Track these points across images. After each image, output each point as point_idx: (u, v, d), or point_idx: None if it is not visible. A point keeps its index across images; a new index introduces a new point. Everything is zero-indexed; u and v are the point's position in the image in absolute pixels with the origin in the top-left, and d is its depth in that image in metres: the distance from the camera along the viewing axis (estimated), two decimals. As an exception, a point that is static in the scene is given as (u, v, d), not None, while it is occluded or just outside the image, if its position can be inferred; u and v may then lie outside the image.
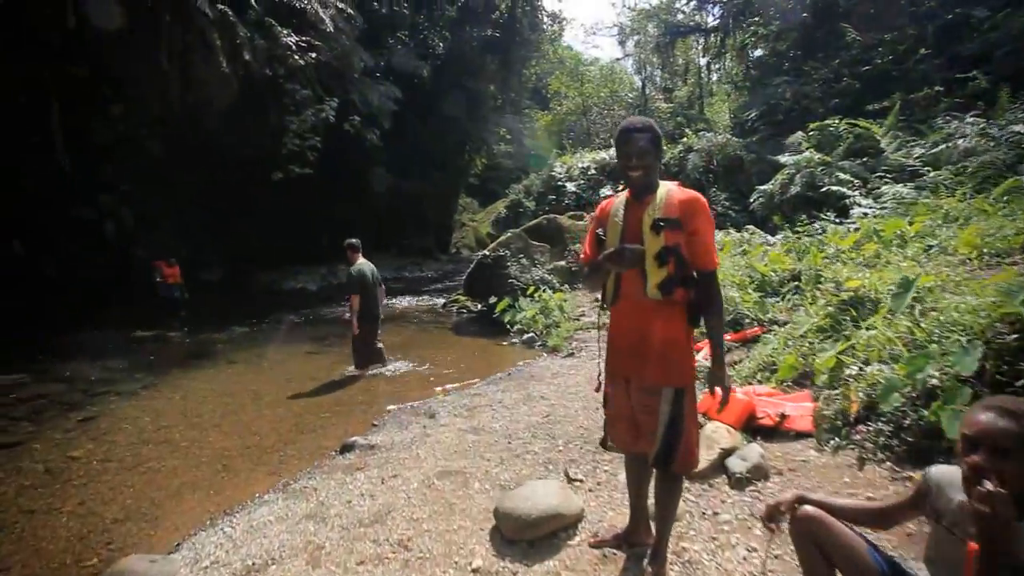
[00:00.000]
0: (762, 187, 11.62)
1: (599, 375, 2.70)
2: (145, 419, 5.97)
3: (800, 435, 3.68)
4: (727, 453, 3.46)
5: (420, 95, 26.24)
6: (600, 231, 2.54)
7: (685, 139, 16.33)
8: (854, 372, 3.57)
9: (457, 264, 26.08)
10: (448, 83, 28.21)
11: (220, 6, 13.15)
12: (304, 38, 14.39)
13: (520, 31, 30.40)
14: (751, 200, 12.04)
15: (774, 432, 3.76)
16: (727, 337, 6.16)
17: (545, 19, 33.49)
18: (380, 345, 7.74)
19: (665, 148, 16.85)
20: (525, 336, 9.23)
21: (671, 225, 2.31)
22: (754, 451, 3.41)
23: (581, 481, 3.58)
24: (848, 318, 4.46)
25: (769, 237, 10.18)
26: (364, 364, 7.50)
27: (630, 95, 36.69)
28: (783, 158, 11.51)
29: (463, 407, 5.62)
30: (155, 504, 4.05)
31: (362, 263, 7.39)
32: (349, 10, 17.49)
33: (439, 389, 6.47)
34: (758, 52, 24.86)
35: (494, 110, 33.02)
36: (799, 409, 3.81)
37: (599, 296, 2.66)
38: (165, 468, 4.67)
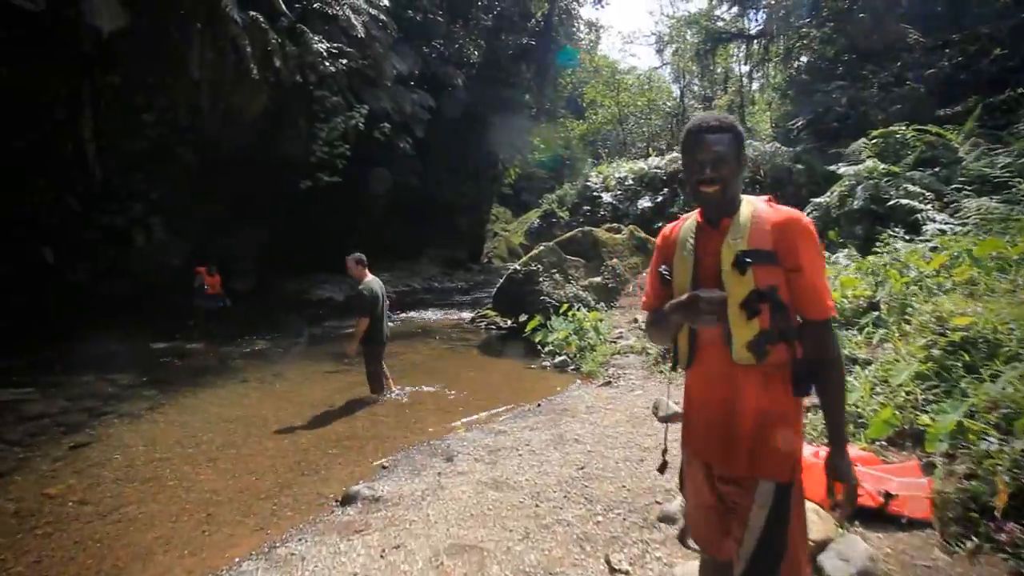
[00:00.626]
0: (817, 200, 10.62)
1: (663, 451, 2.06)
2: (139, 448, 5.43)
3: (913, 523, 2.84)
4: (819, 547, 2.65)
5: (453, 103, 25.81)
6: (664, 268, 1.82)
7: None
8: (992, 446, 2.70)
9: (488, 275, 25.47)
10: (482, 91, 27.76)
11: (251, 12, 12.88)
12: (336, 44, 14.04)
13: (556, 39, 29.78)
14: (806, 213, 11.04)
15: (876, 516, 2.92)
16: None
17: (581, 27, 32.80)
18: (385, 371, 7.10)
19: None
20: (557, 359, 8.46)
21: (763, 259, 1.62)
22: (858, 548, 2.59)
23: (627, 574, 2.81)
24: (959, 364, 3.58)
25: (827, 255, 9.21)
26: (380, 389, 6.87)
27: (668, 104, 35.66)
28: (842, 168, 10.49)
29: (485, 448, 4.90)
30: (118, 567, 3.43)
31: (371, 280, 6.78)
32: (383, 17, 17.15)
33: (460, 423, 5.76)
34: (803, 58, 23.69)
35: (529, 119, 32.41)
36: (909, 486, 2.96)
37: (668, 352, 1.92)
38: (143, 516, 4.07)
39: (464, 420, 5.97)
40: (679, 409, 2.14)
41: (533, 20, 29.30)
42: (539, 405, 6.34)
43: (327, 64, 13.84)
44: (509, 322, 11.86)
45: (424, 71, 24.95)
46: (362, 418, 6.18)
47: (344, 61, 14.23)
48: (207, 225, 14.96)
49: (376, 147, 19.14)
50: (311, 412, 6.39)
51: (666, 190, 15.97)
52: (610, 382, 7.05)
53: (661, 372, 7.03)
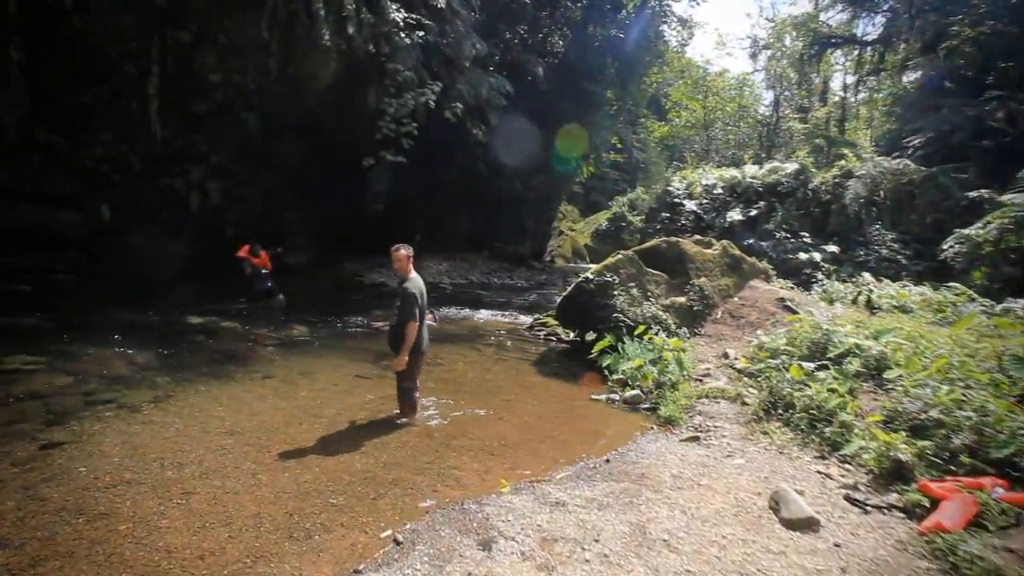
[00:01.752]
0: (964, 231, 8.58)
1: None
2: (113, 460, 4.38)
3: None
4: None
5: (532, 93, 24.43)
6: None
7: (844, 161, 13.25)
8: None
9: (550, 275, 24.05)
10: (563, 83, 26.25)
11: (330, -26, 11.93)
12: (414, 15, 12.94)
13: (647, 34, 27.82)
14: (945, 247, 9.01)
15: None
16: (995, 490, 3.65)
17: (674, 24, 30.65)
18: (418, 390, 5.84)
19: (814, 171, 13.76)
20: (628, 392, 6.96)
21: None
22: None
23: None
24: None
25: (976, 299, 7.25)
26: (411, 411, 5.62)
27: (760, 111, 32.98)
28: (1012, 196, 8.41)
29: (537, 532, 3.52)
30: None
31: (417, 278, 5.54)
32: (468, -7, 15.98)
33: (505, 480, 4.39)
34: (925, 68, 20.81)
35: (609, 116, 30.64)
36: None
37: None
38: (62, 583, 2.94)
39: (510, 470, 4.61)
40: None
41: (624, 12, 27.46)
42: (608, 461, 4.90)
43: (403, 35, 12.75)
44: (572, 335, 10.43)
45: (504, 57, 23.74)
46: (385, 449, 4.92)
47: (421, 34, 13.11)
48: (265, 196, 14.25)
49: (446, 130, 18.04)
50: (327, 432, 5.21)
51: (762, 203, 14.01)
52: (697, 437, 5.51)
53: (765, 434, 5.43)
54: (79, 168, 11.35)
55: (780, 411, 5.70)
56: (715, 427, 5.75)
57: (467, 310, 13.27)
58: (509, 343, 10.12)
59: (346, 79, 13.31)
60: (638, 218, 42.82)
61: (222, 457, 4.51)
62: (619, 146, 36.42)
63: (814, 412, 5.30)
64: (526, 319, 12.50)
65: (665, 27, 31.10)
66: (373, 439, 5.12)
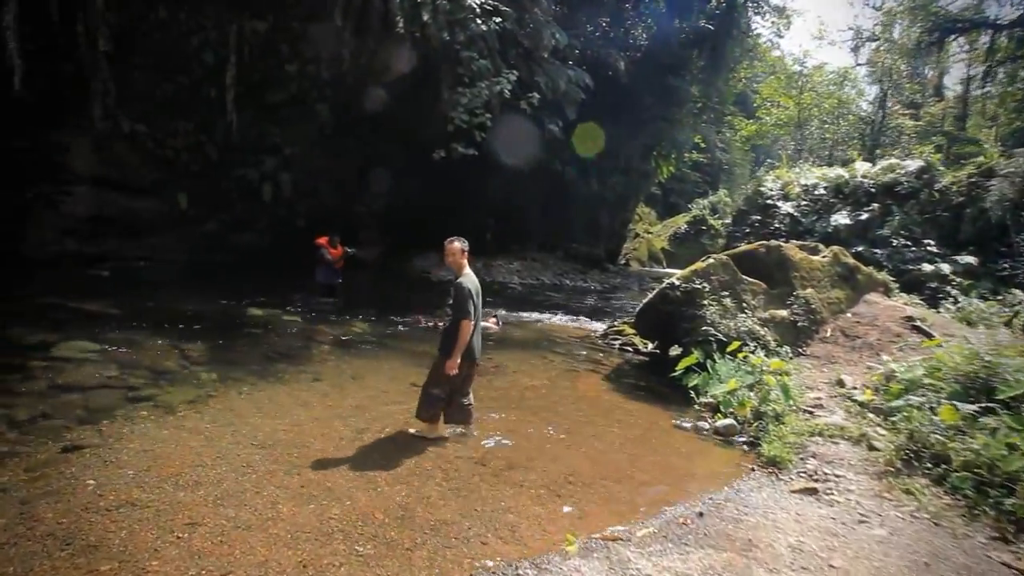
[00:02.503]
0: None
1: None
2: (129, 472, 3.85)
3: None
4: None
5: (612, 88, 23.23)
6: None
7: (982, 158, 11.28)
8: None
9: (625, 278, 22.80)
10: (645, 78, 24.86)
11: (405, -41, 11.42)
12: (491, 1, 12.22)
13: (737, 22, 25.82)
14: None
15: None
16: None
17: (769, 13, 28.34)
18: (470, 399, 5.05)
19: (942, 170, 11.83)
20: (721, 421, 5.86)
21: None
22: None
23: None
24: None
25: None
26: (434, 418, 4.87)
27: (862, 107, 30.00)
28: None
29: (613, 625, 2.60)
30: None
31: (471, 275, 4.78)
32: (548, -19, 15.12)
33: (571, 537, 3.48)
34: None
35: (693, 114, 28.83)
36: None
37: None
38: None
39: (579, 520, 3.71)
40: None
41: (714, 1, 25.64)
42: (701, 515, 3.89)
43: (479, 22, 12.06)
44: (650, 346, 9.35)
45: (584, 50, 22.69)
46: (431, 479, 4.13)
47: (499, 20, 12.37)
48: (335, 188, 14.04)
49: (521, 124, 17.28)
50: (369, 451, 4.50)
51: (875, 205, 12.24)
52: (814, 488, 4.37)
53: (908, 493, 4.22)
54: (161, 157, 11.46)
55: (927, 464, 4.45)
56: (836, 477, 4.58)
57: (536, 313, 12.42)
58: (581, 352, 9.17)
59: (419, 69, 12.82)
60: (720, 222, 40.44)
61: (244, 478, 3.88)
62: (702, 145, 34.33)
63: (982, 472, 4.02)
64: (599, 326, 11.50)
65: (758, 18, 28.88)
66: (419, 465, 4.36)
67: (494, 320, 10.14)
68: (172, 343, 7.03)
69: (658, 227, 39.96)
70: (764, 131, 32.09)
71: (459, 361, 4.65)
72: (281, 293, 10.73)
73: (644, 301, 8.45)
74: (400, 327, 9.53)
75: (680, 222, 38.44)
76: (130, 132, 10.89)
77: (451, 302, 4.71)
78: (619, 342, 9.81)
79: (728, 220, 42.03)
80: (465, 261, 4.78)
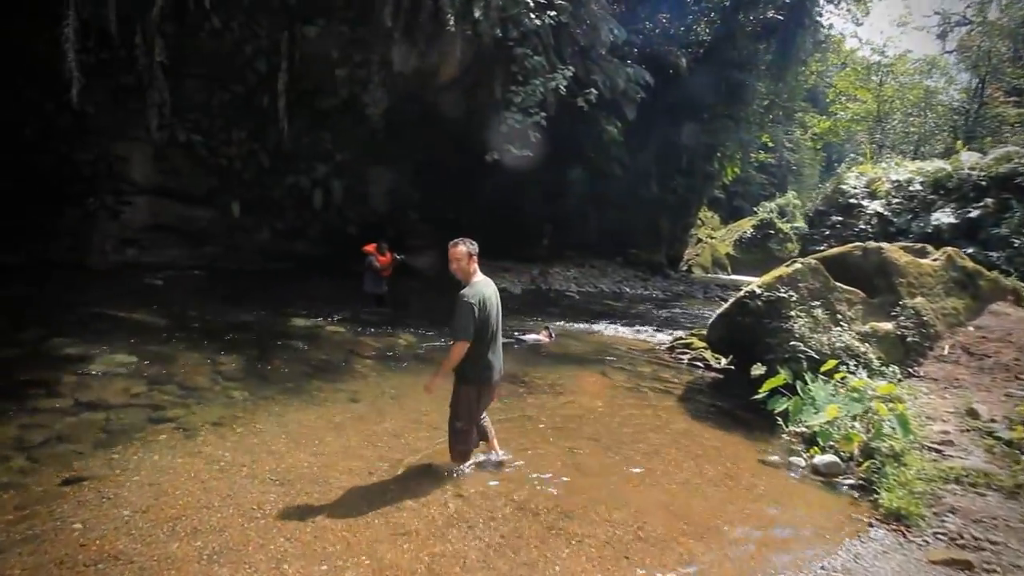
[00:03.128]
0: None
1: None
2: (125, 512, 3.32)
3: None
4: None
5: (672, 86, 22.06)
6: None
7: None
8: None
9: (689, 286, 21.48)
10: (709, 75, 23.50)
11: (455, -45, 10.91)
12: (546, -5, 11.56)
13: (809, 11, 24.01)
14: None
15: None
16: None
17: (845, 1, 26.23)
18: (486, 422, 4.32)
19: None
20: (820, 458, 4.84)
21: None
22: None
23: None
24: None
25: None
26: (464, 457, 4.14)
27: (953, 96, 27.29)
28: None
29: None
30: None
31: (482, 283, 4.06)
32: (606, -25, 14.29)
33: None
34: None
35: (760, 111, 27.13)
36: None
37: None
38: None
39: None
40: None
41: (784, -10, 23.96)
42: (814, 592, 2.96)
43: (533, 16, 11.38)
44: (723, 362, 8.31)
45: (643, 48, 21.65)
46: (471, 531, 3.40)
47: (553, 14, 11.64)
48: (387, 195, 13.69)
49: (578, 123, 16.49)
50: (400, 492, 3.82)
51: (988, 201, 10.63)
52: (967, 562, 3.34)
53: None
54: (215, 166, 11.40)
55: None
56: (992, 544, 3.51)
57: (595, 324, 11.55)
58: (646, 368, 8.24)
59: (471, 69, 12.28)
60: (789, 225, 38.02)
61: (250, 524, 3.27)
62: (770, 144, 32.38)
63: None
64: (664, 338, 10.50)
65: (831, 7, 26.82)
66: (458, 511, 3.63)
67: (546, 332, 9.36)
68: (208, 356, 6.67)
69: (722, 232, 38.03)
70: (839, 127, 29.79)
71: (440, 379, 4.04)
72: (330, 303, 10.38)
73: (718, 311, 7.44)
74: (448, 340, 8.89)
75: (745, 226, 36.40)
76: (186, 141, 10.87)
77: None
78: (688, 357, 8.80)
79: (800, 223, 39.62)
80: (475, 267, 4.03)
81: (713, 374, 8.14)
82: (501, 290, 13.48)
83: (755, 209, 40.27)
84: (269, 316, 8.94)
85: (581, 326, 11.23)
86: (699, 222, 35.08)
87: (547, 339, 9.12)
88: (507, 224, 17.90)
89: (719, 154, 28.79)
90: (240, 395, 5.56)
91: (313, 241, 12.77)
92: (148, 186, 10.84)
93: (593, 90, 12.93)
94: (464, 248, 3.97)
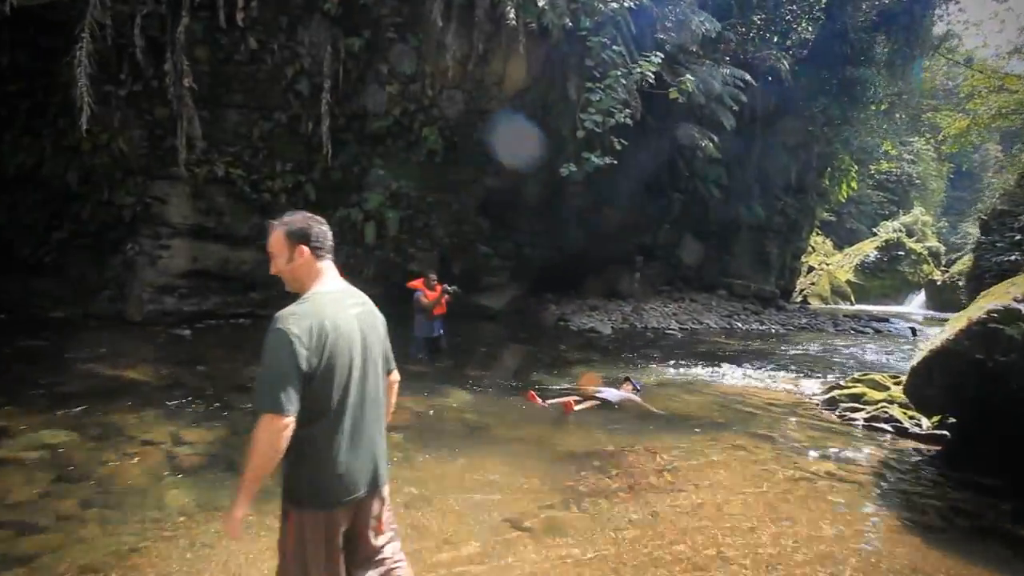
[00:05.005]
0: None
1: None
2: None
3: None
4: None
5: (773, 92, 19.15)
6: None
7: None
8: None
9: (813, 318, 17.84)
10: (814, 79, 20.40)
11: (515, -60, 9.19)
12: (625, -22, 9.53)
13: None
14: None
15: None
16: None
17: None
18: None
19: None
20: None
21: None
22: None
23: None
24: None
25: None
26: None
27: None
28: None
29: None
30: None
31: (327, 296, 1.90)
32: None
33: None
34: None
35: (879, 114, 23.32)
36: None
37: None
38: None
39: None
40: None
41: (901, -25, 20.54)
42: None
43: (608, 1, 9.35)
44: (925, 423, 5.39)
45: (736, 52, 19.04)
46: None
47: (634, -1, 9.55)
48: (452, 226, 11.87)
49: (665, 141, 14.14)
50: None
51: None
52: None
53: None
54: (257, 202, 10.13)
55: None
56: None
57: (710, 368, 8.81)
58: (801, 436, 5.47)
59: (540, 75, 10.39)
60: (921, 245, 32.50)
61: None
62: (892, 152, 27.98)
63: None
64: (812, 386, 7.59)
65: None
66: None
67: (629, 386, 6.70)
68: (176, 429, 4.79)
69: (838, 257, 33.30)
70: (980, 125, 24.97)
71: (240, 514, 1.70)
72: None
73: (931, 347, 4.59)
74: (514, 398, 6.59)
75: (867, 249, 31.58)
76: (225, 176, 9.69)
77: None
78: (862, 416, 5.90)
79: (933, 242, 33.89)
80: (321, 267, 1.90)
81: (916, 444, 5.23)
82: (588, 331, 10.95)
83: (875, 230, 35.15)
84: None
85: (692, 371, 8.54)
86: (810, 248, 30.80)
87: (632, 395, 6.45)
88: (592, 257, 15.61)
89: (830, 168, 25.06)
90: (180, 502, 3.55)
91: (368, 282, 11.11)
92: (186, 228, 9.69)
93: (690, 76, 10.52)
94: (281, 233, 1.86)
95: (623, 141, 9.85)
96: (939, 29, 23.25)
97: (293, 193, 10.29)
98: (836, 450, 5.06)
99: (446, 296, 7.78)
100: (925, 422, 5.45)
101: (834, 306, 26.12)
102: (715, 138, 15.99)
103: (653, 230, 17.16)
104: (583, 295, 15.64)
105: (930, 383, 4.57)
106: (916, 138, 36.20)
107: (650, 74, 9.58)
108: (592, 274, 15.99)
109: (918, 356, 4.74)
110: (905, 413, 5.66)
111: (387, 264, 10.99)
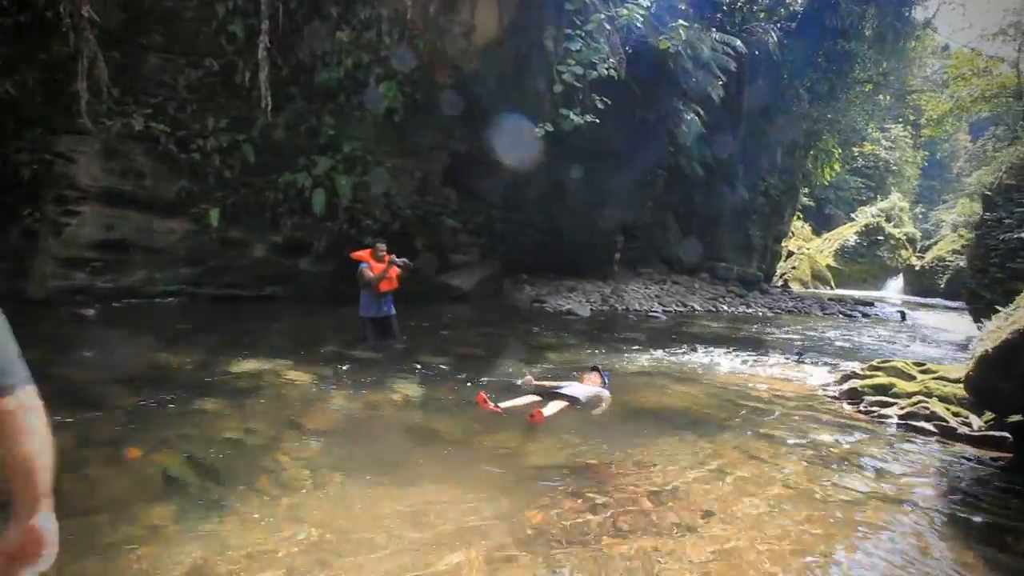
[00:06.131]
0: None
1: None
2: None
3: None
4: None
5: (761, 66, 18.10)
6: None
7: None
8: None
9: (799, 301, 16.96)
10: (804, 51, 19.39)
11: None
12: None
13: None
14: None
15: None
16: None
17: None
18: None
19: None
20: None
21: None
22: None
23: None
24: None
25: None
26: None
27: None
28: None
29: None
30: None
31: None
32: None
33: None
34: None
35: (866, 93, 22.46)
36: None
37: None
38: None
39: None
40: None
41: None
42: None
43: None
44: (976, 424, 4.31)
45: (723, 24, 17.91)
46: None
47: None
48: (415, 196, 10.52)
49: (650, 108, 12.94)
50: None
51: None
52: None
53: None
54: (185, 164, 8.65)
55: None
56: None
57: (701, 353, 7.69)
58: (824, 437, 4.35)
59: (514, 24, 9.05)
60: (900, 231, 32.02)
61: None
62: (874, 135, 27.27)
63: None
64: (819, 373, 6.53)
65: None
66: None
67: (596, 378, 5.10)
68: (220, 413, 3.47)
69: (816, 242, 32.69)
70: (964, 107, 24.29)
71: None
72: (318, 335, 7.20)
73: (1015, 328, 3.47)
74: (474, 390, 5.35)
75: (847, 234, 31.01)
76: (144, 131, 8.19)
77: None
78: (895, 411, 4.81)
79: (909, 227, 33.45)
80: None
81: (970, 448, 4.15)
82: (565, 313, 9.62)
83: (853, 216, 34.67)
84: (211, 359, 5.76)
85: (684, 358, 7.40)
86: (790, 233, 30.09)
87: (602, 388, 5.13)
88: (570, 236, 14.40)
89: (813, 152, 24.21)
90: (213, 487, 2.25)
91: (320, 257, 9.74)
92: (97, 191, 8.16)
93: (682, 22, 9.28)
94: None
95: (606, 99, 8.61)
96: (921, 14, 22.43)
97: (229, 154, 8.84)
98: (875, 460, 3.95)
99: (395, 269, 6.47)
100: (976, 421, 4.39)
101: (815, 290, 25.45)
102: (701, 111, 14.90)
103: (636, 208, 15.98)
104: (560, 276, 14.45)
105: (1008, 375, 3.47)
106: (895, 124, 35.74)
107: (637, 19, 8.31)
108: (570, 254, 14.78)
109: (989, 342, 3.63)
110: (948, 409, 4.59)
111: (340, 238, 9.59)
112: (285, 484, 3.11)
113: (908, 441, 4.36)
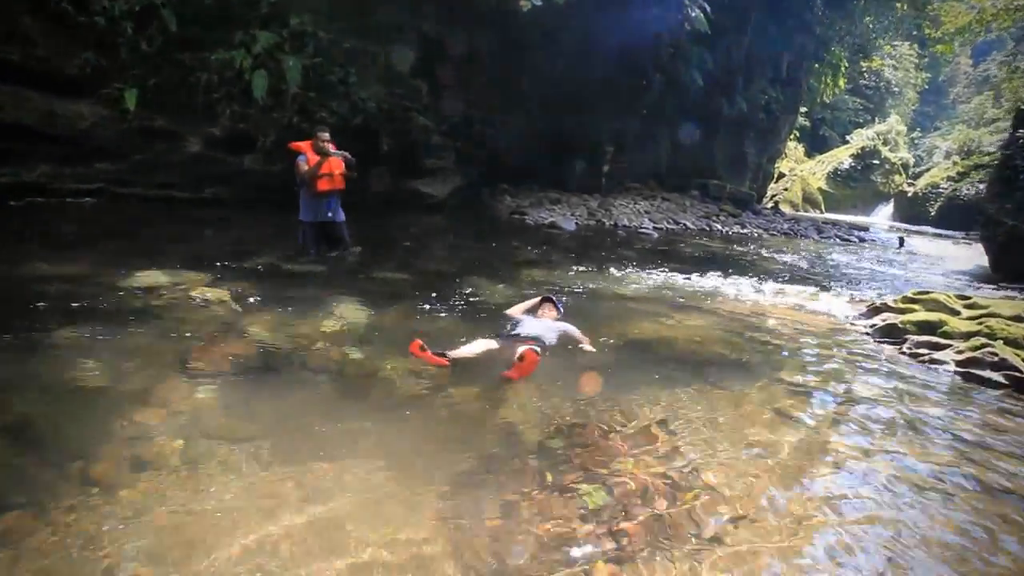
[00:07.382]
0: None
1: None
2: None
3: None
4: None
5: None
6: None
7: None
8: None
9: (794, 223, 15.99)
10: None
11: None
12: None
13: None
14: None
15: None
16: None
17: None
18: None
19: None
20: None
21: None
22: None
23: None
24: None
25: None
26: None
27: None
28: None
29: None
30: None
31: None
32: None
33: None
34: None
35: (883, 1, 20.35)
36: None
37: None
38: None
39: None
40: None
41: None
42: None
43: None
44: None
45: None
46: None
47: None
48: (378, 83, 8.90)
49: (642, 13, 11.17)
50: None
51: None
52: None
53: None
54: (91, 31, 6.89)
55: None
56: None
57: (697, 277, 6.65)
58: (866, 387, 3.39)
59: None
60: (896, 155, 30.72)
61: None
62: (887, 50, 25.21)
63: None
64: (839, 303, 5.59)
65: None
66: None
67: (551, 309, 3.97)
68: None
69: (810, 164, 31.35)
70: (985, 19, 22.27)
71: None
72: (256, 244, 5.97)
73: None
74: (433, 318, 4.27)
75: (841, 156, 29.67)
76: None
77: None
78: (950, 355, 3.87)
79: (904, 152, 32.14)
80: None
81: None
82: (547, 227, 8.18)
83: (848, 138, 33.16)
84: (104, 270, 4.53)
85: (680, 281, 6.37)
86: (784, 153, 28.64)
87: (566, 324, 4.05)
88: (556, 142, 12.91)
89: (818, 65, 22.32)
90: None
91: (268, 154, 8.25)
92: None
93: None
94: None
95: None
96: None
97: (144, 21, 7.06)
98: (939, 418, 3.03)
99: (337, 163, 5.16)
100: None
101: (804, 213, 24.51)
102: (707, 7, 13.08)
103: (627, 116, 14.39)
104: (544, 187, 13.13)
105: None
106: (903, 43, 33.40)
107: None
108: (555, 163, 13.35)
109: None
110: (1018, 355, 3.66)
111: (290, 132, 8.04)
112: (136, 463, 2.04)
113: (969, 392, 3.44)
